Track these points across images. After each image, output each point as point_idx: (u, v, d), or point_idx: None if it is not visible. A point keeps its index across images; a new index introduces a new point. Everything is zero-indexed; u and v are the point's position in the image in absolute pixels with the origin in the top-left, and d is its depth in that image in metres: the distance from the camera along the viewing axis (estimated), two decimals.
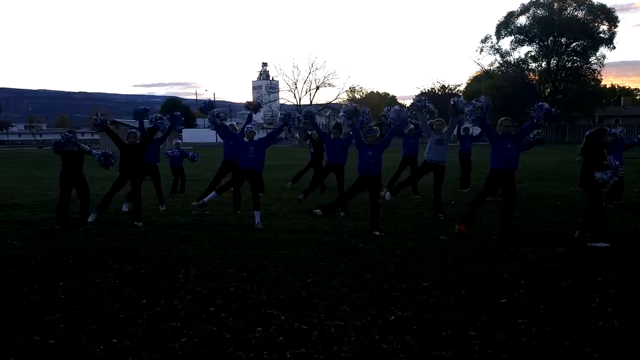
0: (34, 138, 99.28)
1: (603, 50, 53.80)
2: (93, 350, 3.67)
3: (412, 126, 11.45)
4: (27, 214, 9.83)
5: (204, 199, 8.40)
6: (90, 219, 8.53)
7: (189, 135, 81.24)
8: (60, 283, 5.29)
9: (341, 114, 8.31)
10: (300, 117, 8.73)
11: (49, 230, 8.13)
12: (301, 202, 9.78)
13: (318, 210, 8.01)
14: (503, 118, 7.43)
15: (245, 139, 8.44)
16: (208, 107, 8.81)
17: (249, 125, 8.80)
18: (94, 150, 8.99)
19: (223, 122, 8.77)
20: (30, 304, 4.68)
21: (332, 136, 9.72)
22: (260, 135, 8.95)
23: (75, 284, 5.27)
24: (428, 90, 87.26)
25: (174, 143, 13.47)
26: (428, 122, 8.87)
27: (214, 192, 8.55)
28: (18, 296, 4.89)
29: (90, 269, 5.83)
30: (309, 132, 12.55)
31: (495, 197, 8.66)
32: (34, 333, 3.98)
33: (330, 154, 9.63)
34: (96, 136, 75.95)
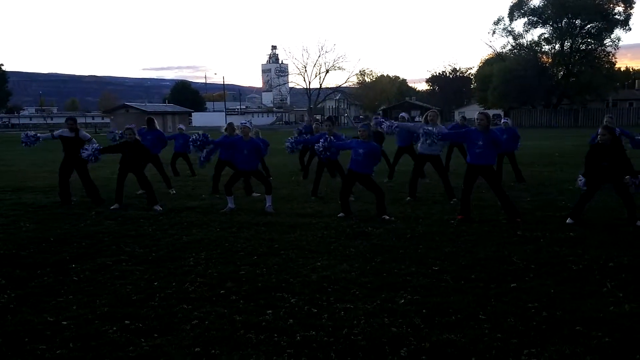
0: (45, 121, 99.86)
1: (618, 32, 52.77)
2: (106, 332, 3.72)
3: (404, 114, 11.48)
4: (39, 196, 9.94)
5: (230, 206, 8.19)
6: (112, 207, 8.47)
7: (199, 119, 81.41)
8: (73, 265, 5.35)
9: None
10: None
11: (61, 213, 8.21)
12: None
13: (341, 214, 7.67)
14: (479, 112, 7.54)
15: (240, 134, 8.30)
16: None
17: (243, 121, 8.58)
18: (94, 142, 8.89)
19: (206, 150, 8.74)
20: (43, 285, 4.75)
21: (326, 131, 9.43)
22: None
23: (87, 266, 5.33)
24: (439, 73, 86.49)
25: (177, 129, 13.46)
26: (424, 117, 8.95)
27: (229, 197, 8.27)
28: (31, 278, 4.95)
29: (102, 251, 5.90)
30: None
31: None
32: (47, 314, 4.04)
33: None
34: (106, 119, 76.39)
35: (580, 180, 7.09)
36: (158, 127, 10.82)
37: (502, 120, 11.89)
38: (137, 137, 8.62)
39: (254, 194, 9.57)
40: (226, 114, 76.09)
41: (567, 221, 6.93)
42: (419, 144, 8.97)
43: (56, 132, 9.19)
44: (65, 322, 3.88)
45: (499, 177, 7.33)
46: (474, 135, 7.22)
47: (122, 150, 8.55)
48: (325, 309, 4.08)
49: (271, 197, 8.25)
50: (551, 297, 4.23)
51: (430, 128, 7.96)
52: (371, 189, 7.65)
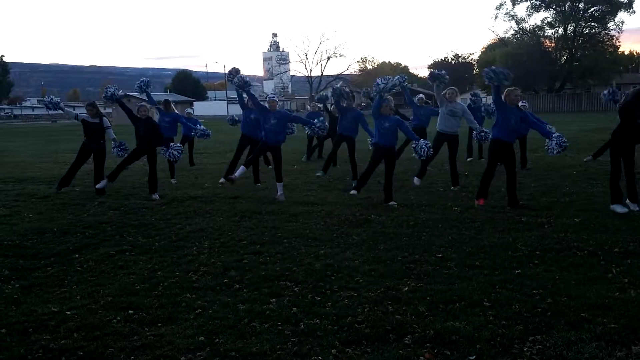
0: (47, 112, 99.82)
1: (622, 15, 52.42)
2: (110, 322, 3.72)
3: (422, 95, 11.33)
4: (42, 187, 9.93)
5: (235, 174, 8.21)
6: (99, 185, 8.65)
7: (200, 108, 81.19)
8: (76, 255, 5.35)
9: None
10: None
11: (64, 203, 8.21)
12: (319, 177, 9.91)
13: (354, 191, 7.86)
14: (512, 88, 7.22)
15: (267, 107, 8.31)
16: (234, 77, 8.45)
17: (271, 95, 8.68)
18: (112, 135, 8.97)
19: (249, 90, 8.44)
20: (47, 276, 4.75)
21: (345, 105, 9.63)
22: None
23: (90, 256, 5.33)
24: (441, 59, 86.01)
25: (185, 113, 13.35)
26: (442, 93, 8.77)
27: (242, 166, 8.32)
28: (35, 268, 4.96)
29: (105, 241, 5.89)
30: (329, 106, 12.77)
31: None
32: (51, 305, 4.04)
33: (342, 125, 9.62)
34: (108, 109, 76.20)
35: None
36: (175, 110, 10.77)
37: (520, 104, 11.61)
38: (150, 115, 8.60)
39: (258, 184, 9.53)
40: (228, 103, 75.85)
41: (617, 209, 6.56)
42: (438, 122, 8.85)
43: (80, 115, 9.04)
44: (69, 312, 3.89)
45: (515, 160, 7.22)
46: (509, 111, 7.02)
47: (135, 122, 8.52)
48: (329, 297, 4.07)
49: (282, 185, 8.24)
50: (556, 284, 4.21)
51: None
52: (388, 168, 7.65)
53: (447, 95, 8.80)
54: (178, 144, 8.98)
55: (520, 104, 11.50)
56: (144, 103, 8.78)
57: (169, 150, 8.68)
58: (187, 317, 3.76)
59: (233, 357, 3.18)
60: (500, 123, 7.03)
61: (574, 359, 3.05)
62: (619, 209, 6.57)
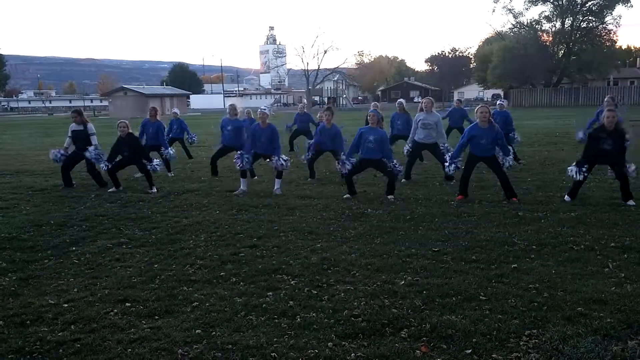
0: (43, 105, 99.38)
1: (620, 9, 52.37)
2: (107, 314, 3.72)
3: (402, 100, 11.39)
4: (39, 180, 9.92)
5: (241, 189, 8.19)
6: (111, 190, 8.54)
7: (197, 102, 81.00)
8: (73, 248, 5.35)
9: None
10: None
11: (61, 196, 8.20)
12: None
13: (347, 195, 7.73)
14: (479, 105, 7.50)
15: (259, 122, 8.23)
16: None
17: (262, 107, 8.43)
18: (94, 142, 8.83)
19: None
20: (44, 268, 4.75)
21: (324, 120, 9.21)
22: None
23: (88, 249, 5.32)
24: (438, 53, 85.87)
25: (172, 113, 13.29)
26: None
27: (243, 179, 8.27)
28: (32, 261, 4.95)
29: (102, 234, 5.89)
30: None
31: None
32: (49, 297, 4.04)
33: (322, 142, 9.22)
34: (105, 102, 75.87)
35: (571, 170, 7.00)
36: (159, 118, 10.68)
37: (498, 102, 11.62)
38: (130, 130, 8.58)
39: (255, 178, 9.53)
40: (224, 96, 75.70)
41: (565, 198, 7.11)
42: (416, 135, 8.97)
43: (69, 132, 9.03)
44: (66, 305, 3.89)
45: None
46: (478, 134, 7.20)
47: (120, 148, 8.55)
48: (326, 291, 4.08)
49: (280, 181, 8.25)
50: (552, 278, 4.22)
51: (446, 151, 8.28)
52: (385, 172, 7.65)
53: (423, 105, 8.88)
54: (157, 161, 8.89)
55: (498, 102, 11.65)
56: (124, 120, 8.67)
57: (151, 165, 8.65)
58: (184, 310, 3.77)
59: (229, 350, 3.19)
60: (472, 143, 7.34)
61: (570, 353, 3.06)
62: (566, 197, 7.13)
